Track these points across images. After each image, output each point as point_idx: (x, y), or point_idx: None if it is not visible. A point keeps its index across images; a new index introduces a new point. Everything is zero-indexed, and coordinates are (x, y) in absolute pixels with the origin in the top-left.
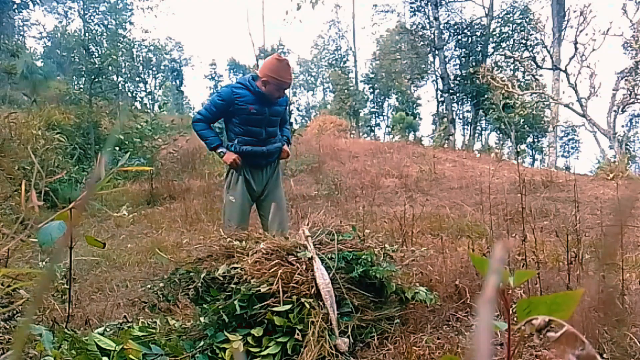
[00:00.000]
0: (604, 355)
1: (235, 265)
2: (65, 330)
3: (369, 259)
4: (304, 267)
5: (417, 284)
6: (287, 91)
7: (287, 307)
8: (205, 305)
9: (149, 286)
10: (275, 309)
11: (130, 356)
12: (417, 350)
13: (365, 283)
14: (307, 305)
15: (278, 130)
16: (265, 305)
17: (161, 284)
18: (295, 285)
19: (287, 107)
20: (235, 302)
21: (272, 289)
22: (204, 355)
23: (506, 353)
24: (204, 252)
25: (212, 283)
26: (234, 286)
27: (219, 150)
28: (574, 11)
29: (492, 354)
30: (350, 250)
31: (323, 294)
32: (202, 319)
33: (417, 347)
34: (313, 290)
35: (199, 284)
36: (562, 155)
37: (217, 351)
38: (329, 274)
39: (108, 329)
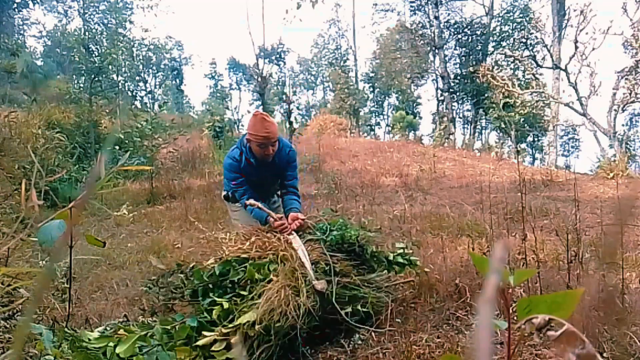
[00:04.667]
0: (604, 354)
1: (219, 255)
2: (66, 329)
3: (345, 224)
4: (282, 239)
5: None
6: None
7: (264, 261)
8: (189, 274)
9: (144, 288)
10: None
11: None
12: (417, 349)
13: (345, 250)
14: (281, 254)
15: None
16: (244, 266)
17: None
18: (271, 250)
19: (288, 159)
20: (215, 266)
21: (250, 255)
22: (193, 318)
23: (506, 352)
24: (196, 252)
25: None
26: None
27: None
28: (574, 10)
29: (492, 353)
30: (328, 222)
31: (296, 247)
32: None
33: (417, 346)
34: (289, 252)
35: (193, 285)
36: (562, 154)
37: (205, 313)
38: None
39: (108, 328)
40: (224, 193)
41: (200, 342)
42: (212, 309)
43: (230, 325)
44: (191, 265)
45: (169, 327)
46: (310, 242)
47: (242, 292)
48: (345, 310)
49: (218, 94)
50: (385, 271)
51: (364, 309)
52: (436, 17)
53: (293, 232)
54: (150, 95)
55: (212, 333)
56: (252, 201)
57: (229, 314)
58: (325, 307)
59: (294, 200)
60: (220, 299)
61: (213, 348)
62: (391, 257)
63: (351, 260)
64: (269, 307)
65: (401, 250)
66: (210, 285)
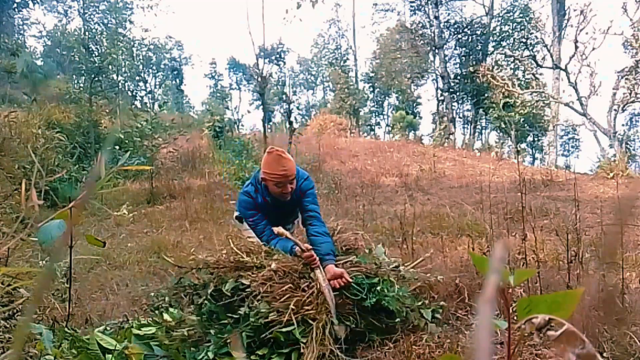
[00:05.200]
0: (604, 354)
1: (244, 282)
2: (66, 329)
3: (384, 289)
4: (315, 292)
5: (425, 303)
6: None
7: (292, 327)
8: (211, 331)
9: (152, 294)
10: (281, 329)
11: (132, 357)
12: (417, 349)
13: (376, 308)
14: (311, 321)
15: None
16: (272, 331)
17: (164, 294)
18: (304, 309)
19: (303, 189)
20: (243, 334)
21: (281, 318)
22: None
23: (506, 352)
24: (210, 258)
25: (219, 296)
26: (242, 311)
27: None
28: (574, 10)
29: (492, 353)
30: (365, 274)
31: (322, 284)
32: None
33: (417, 345)
34: (320, 306)
35: (205, 300)
36: (562, 154)
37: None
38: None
39: (109, 328)
40: (236, 214)
41: None
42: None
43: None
44: (210, 289)
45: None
46: (342, 298)
47: (261, 352)
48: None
49: (218, 94)
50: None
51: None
52: (436, 17)
53: (319, 266)
54: (150, 95)
55: None
56: (280, 229)
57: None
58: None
59: (324, 237)
60: (237, 354)
61: None
62: (417, 321)
63: (378, 316)
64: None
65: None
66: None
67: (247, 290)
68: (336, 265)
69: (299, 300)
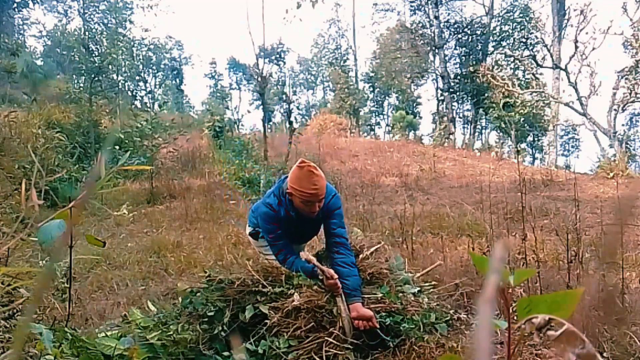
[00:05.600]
0: (604, 354)
1: (263, 310)
2: (66, 329)
3: (408, 331)
4: (337, 331)
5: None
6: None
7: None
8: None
9: (160, 315)
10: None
11: (134, 356)
12: (417, 349)
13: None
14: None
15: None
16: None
17: (174, 315)
18: (325, 350)
19: (330, 207)
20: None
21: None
22: None
23: (506, 352)
24: (223, 275)
25: (233, 320)
26: (260, 348)
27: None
28: (574, 10)
29: (492, 353)
30: (389, 312)
31: (342, 310)
32: None
33: (417, 345)
34: (341, 344)
35: (222, 331)
36: (562, 154)
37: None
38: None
39: (108, 328)
40: (249, 230)
41: None
42: None
43: None
44: (227, 318)
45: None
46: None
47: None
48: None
49: (218, 94)
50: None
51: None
52: (436, 17)
53: (342, 294)
54: (150, 95)
55: None
56: (309, 256)
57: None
58: None
59: (351, 268)
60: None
61: None
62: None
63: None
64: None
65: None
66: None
67: (265, 320)
68: (362, 304)
69: (321, 340)
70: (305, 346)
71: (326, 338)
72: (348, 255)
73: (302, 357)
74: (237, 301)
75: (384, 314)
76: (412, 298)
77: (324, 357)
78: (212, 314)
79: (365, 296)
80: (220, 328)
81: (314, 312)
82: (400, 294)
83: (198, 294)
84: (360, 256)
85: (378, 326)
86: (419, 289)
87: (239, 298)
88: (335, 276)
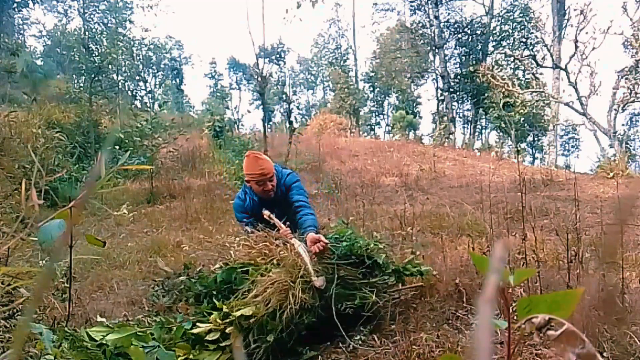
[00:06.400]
0: (604, 354)
1: (225, 260)
2: (66, 328)
3: (355, 235)
4: (288, 246)
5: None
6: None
7: (268, 266)
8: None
9: (150, 290)
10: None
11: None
12: (417, 348)
13: (354, 262)
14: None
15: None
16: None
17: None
18: (275, 256)
19: (287, 183)
20: (218, 273)
21: (255, 262)
22: (189, 322)
23: (506, 351)
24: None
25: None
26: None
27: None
28: (575, 9)
29: (492, 353)
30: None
31: (296, 246)
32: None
33: (417, 345)
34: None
35: (197, 290)
36: (562, 154)
37: (207, 316)
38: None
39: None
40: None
41: (195, 331)
42: (212, 312)
43: (227, 320)
44: (198, 269)
45: (168, 327)
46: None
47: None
48: (343, 307)
49: (218, 94)
50: (391, 277)
51: (368, 312)
52: (436, 17)
53: (293, 236)
54: (150, 95)
55: (207, 324)
56: (267, 212)
57: (228, 315)
58: (323, 305)
59: (308, 216)
60: (221, 304)
61: (207, 337)
62: (401, 268)
63: (358, 268)
64: (264, 299)
65: (410, 258)
66: (214, 292)
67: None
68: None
69: (272, 248)
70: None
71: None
72: (307, 211)
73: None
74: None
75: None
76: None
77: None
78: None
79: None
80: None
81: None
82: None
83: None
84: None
85: (327, 242)
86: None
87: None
88: (284, 227)
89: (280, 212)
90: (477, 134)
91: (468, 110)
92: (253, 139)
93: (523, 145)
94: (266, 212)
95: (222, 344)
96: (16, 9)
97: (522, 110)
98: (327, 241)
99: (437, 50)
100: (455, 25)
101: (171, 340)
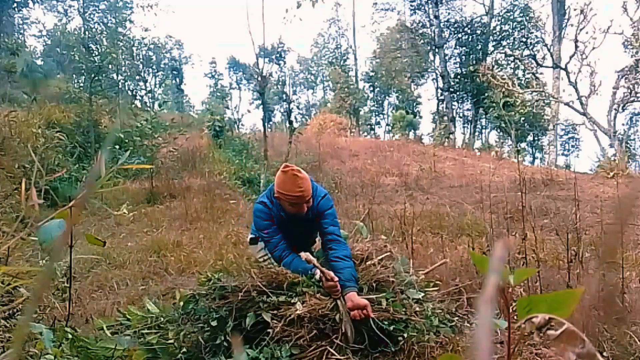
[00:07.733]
0: (604, 354)
1: (266, 318)
2: (66, 328)
3: (410, 335)
4: (339, 340)
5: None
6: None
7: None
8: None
9: (160, 315)
10: None
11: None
12: (417, 349)
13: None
14: None
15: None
16: None
17: (173, 318)
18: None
19: (320, 208)
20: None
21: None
22: None
23: (506, 351)
24: (225, 280)
25: (235, 328)
26: (262, 356)
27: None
28: (575, 9)
29: (492, 353)
30: (392, 320)
31: (340, 307)
32: None
33: (417, 345)
34: (343, 351)
35: (224, 342)
36: (562, 154)
37: None
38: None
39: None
40: (250, 236)
41: None
42: None
43: None
44: (229, 327)
45: None
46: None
47: None
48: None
49: (218, 94)
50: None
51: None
52: (436, 17)
53: (341, 297)
54: (150, 95)
55: None
56: (309, 256)
57: None
58: None
59: (345, 260)
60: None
61: None
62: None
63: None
64: None
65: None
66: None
67: (268, 330)
68: (358, 295)
69: (323, 349)
70: (308, 355)
71: (328, 348)
72: (341, 249)
73: None
74: (240, 309)
75: (386, 322)
76: (417, 307)
77: None
78: (214, 323)
79: (370, 303)
80: (222, 338)
81: (317, 321)
82: (405, 301)
83: (200, 301)
84: (368, 262)
85: (372, 315)
86: (422, 294)
87: (242, 305)
88: (336, 279)
89: (305, 233)
90: (477, 133)
91: (468, 110)
92: (253, 139)
93: (523, 145)
94: (305, 255)
95: None
96: (16, 9)
97: (522, 110)
98: (372, 315)
99: (437, 50)
100: (455, 25)
101: None
